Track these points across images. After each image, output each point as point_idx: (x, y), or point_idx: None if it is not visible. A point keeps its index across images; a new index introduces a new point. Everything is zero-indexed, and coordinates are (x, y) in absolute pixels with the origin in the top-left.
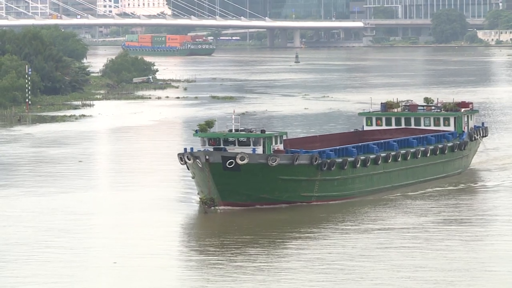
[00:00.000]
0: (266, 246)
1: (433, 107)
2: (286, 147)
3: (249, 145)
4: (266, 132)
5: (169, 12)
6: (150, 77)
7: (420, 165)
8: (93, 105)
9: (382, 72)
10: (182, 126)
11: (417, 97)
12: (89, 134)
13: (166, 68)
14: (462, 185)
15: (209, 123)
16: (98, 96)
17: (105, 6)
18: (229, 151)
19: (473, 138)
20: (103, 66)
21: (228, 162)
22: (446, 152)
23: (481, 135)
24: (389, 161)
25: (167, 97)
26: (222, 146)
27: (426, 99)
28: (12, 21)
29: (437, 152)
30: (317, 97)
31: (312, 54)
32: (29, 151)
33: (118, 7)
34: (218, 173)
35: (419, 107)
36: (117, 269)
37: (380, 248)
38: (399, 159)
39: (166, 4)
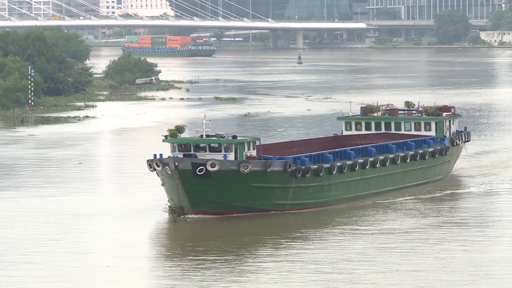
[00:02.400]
0: (261, 250)
1: (414, 111)
2: (259, 153)
3: (221, 151)
4: (238, 138)
5: (171, 13)
6: (153, 78)
7: (399, 171)
8: (95, 106)
9: (385, 73)
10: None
11: (421, 99)
12: (92, 136)
13: (170, 69)
14: (442, 192)
15: (180, 128)
16: (101, 97)
17: (108, 7)
18: (199, 157)
19: (455, 143)
20: (106, 67)
21: (198, 169)
22: (426, 157)
23: (464, 140)
24: (367, 167)
25: (171, 98)
26: (192, 152)
27: (407, 103)
28: (15, 22)
29: (417, 158)
30: (319, 98)
31: (314, 55)
32: (31, 152)
33: (121, 8)
34: (188, 180)
35: (399, 111)
36: (111, 272)
37: (377, 251)
38: (377, 165)
39: (169, 5)
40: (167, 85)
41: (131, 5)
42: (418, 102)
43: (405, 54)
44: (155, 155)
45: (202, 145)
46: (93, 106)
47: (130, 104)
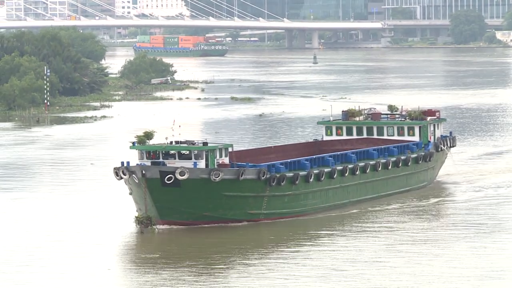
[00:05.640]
0: (234, 263)
1: (397, 116)
2: (232, 160)
3: (191, 159)
4: (209, 144)
5: (187, 13)
6: (169, 78)
7: (380, 178)
8: (111, 106)
9: (401, 73)
10: (199, 127)
11: (437, 99)
12: (107, 136)
13: (186, 69)
14: (425, 200)
15: (148, 135)
16: (117, 97)
17: (123, 7)
18: (168, 165)
19: (440, 149)
20: (122, 67)
21: (167, 178)
22: (409, 164)
23: (449, 145)
24: (346, 174)
25: (187, 98)
26: (161, 160)
27: (390, 107)
28: (31, 23)
29: (400, 164)
30: (335, 98)
31: (330, 55)
32: (46, 152)
33: (136, 8)
34: (156, 189)
35: (382, 116)
36: (111, 276)
37: (383, 254)
38: (357, 172)
39: (184, 5)
40: (183, 85)
41: (147, 5)
42: (401, 106)
43: (421, 54)
44: (122, 163)
45: (171, 152)
46: (108, 106)
47: (146, 104)
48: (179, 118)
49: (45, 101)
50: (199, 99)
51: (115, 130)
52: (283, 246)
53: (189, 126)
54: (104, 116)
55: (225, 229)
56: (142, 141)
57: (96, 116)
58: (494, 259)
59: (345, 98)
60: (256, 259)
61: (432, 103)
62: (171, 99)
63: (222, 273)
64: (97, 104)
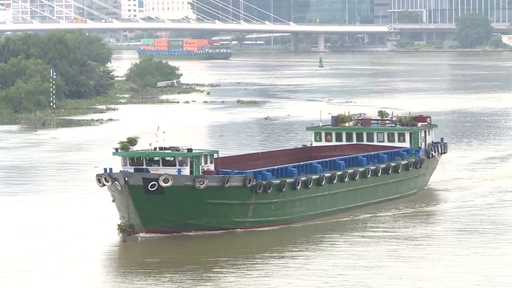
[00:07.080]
0: (222, 272)
1: (387, 121)
2: (217, 166)
3: (175, 165)
4: (194, 151)
5: (193, 16)
6: (175, 81)
7: (370, 185)
8: (117, 109)
9: (406, 77)
10: (205, 130)
11: (443, 103)
12: (113, 139)
13: (192, 72)
14: (414, 208)
15: (132, 141)
16: (123, 100)
17: (129, 10)
18: (152, 172)
19: (431, 155)
20: (128, 70)
21: (150, 185)
22: (399, 170)
23: (440, 151)
24: (335, 181)
25: (194, 101)
26: (144, 166)
27: (381, 113)
28: (37, 25)
29: (389, 171)
30: (341, 102)
31: (336, 59)
32: (51, 155)
33: (142, 11)
34: (139, 196)
35: (372, 121)
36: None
37: (385, 258)
38: (346, 180)
39: (191, 8)
40: (189, 88)
41: (153, 8)
42: (392, 112)
43: (427, 58)
44: (105, 169)
45: (155, 158)
46: (114, 109)
47: (152, 107)
48: (185, 122)
49: (51, 104)
50: (205, 102)
51: (121, 133)
52: (280, 251)
53: (194, 130)
54: (110, 119)
55: (210, 237)
56: (125, 147)
57: (102, 119)
58: (496, 264)
59: (351, 101)
60: (249, 265)
61: (437, 107)
62: (177, 102)
63: (208, 283)
64: (103, 107)
